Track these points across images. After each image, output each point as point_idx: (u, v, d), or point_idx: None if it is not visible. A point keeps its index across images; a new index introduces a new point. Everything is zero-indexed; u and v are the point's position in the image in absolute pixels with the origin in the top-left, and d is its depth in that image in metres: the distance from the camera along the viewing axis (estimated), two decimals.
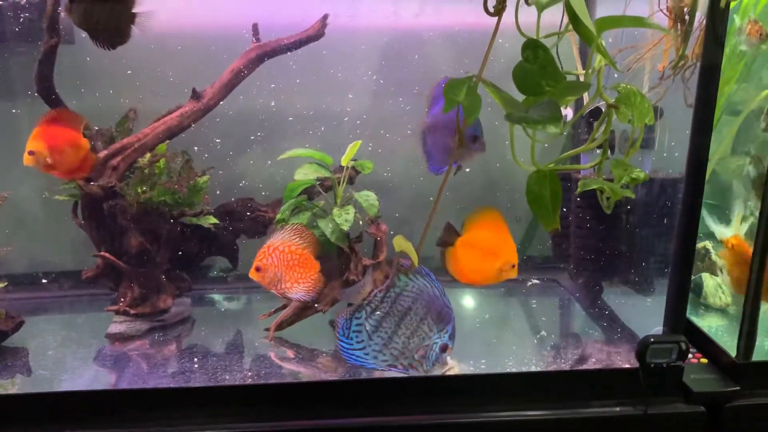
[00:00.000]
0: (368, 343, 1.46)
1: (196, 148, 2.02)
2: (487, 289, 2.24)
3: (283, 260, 1.72)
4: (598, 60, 1.20)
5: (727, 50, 1.99)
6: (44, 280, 2.13)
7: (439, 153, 1.51)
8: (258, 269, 1.71)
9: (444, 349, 1.45)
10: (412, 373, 1.47)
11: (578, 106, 2.10)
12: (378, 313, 1.44)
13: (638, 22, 1.14)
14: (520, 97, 1.25)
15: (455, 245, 1.61)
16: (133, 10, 1.55)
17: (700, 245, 2.07)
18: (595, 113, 1.70)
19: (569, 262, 2.13)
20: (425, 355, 1.45)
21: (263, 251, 1.71)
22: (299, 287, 1.72)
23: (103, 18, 1.54)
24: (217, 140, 2.09)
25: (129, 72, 2.01)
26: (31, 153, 1.67)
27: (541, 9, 1.13)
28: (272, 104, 2.12)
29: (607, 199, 1.31)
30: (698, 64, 1.42)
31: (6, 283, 1.84)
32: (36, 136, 1.68)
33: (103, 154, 1.84)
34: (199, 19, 2.06)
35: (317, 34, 1.95)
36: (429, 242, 1.54)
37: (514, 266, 1.58)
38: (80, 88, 1.99)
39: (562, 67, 1.34)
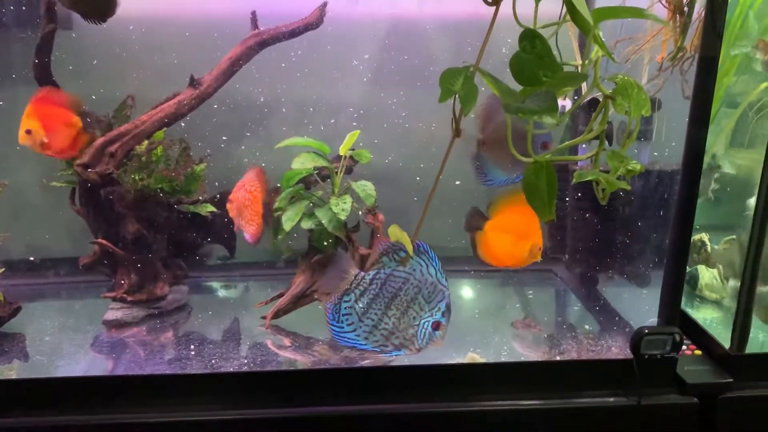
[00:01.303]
0: (359, 324, 1.46)
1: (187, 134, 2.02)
2: (483, 279, 2.25)
3: (244, 199, 1.80)
4: (595, 51, 1.20)
5: (726, 43, 2.00)
6: (32, 259, 2.13)
7: (499, 167, 1.52)
8: (229, 201, 1.82)
9: (436, 327, 1.45)
10: (405, 352, 1.48)
11: (577, 96, 2.10)
12: (367, 295, 1.45)
13: (636, 13, 1.13)
14: (517, 88, 1.25)
15: (484, 230, 1.63)
16: None
17: (696, 237, 2.08)
18: (594, 103, 1.70)
19: (565, 253, 2.13)
20: (416, 333, 1.45)
21: (238, 186, 1.82)
22: (247, 228, 1.81)
23: None
24: (209, 129, 2.09)
25: (125, 56, 2.00)
26: (28, 132, 1.67)
27: None
28: (271, 91, 2.13)
29: (603, 190, 1.31)
30: (696, 56, 1.42)
31: (3, 269, 1.84)
32: (30, 115, 1.68)
33: (100, 140, 1.84)
34: (201, 6, 2.06)
35: (316, 22, 1.94)
36: (425, 231, 1.54)
37: (540, 249, 1.62)
38: (78, 75, 1.98)
39: (561, 59, 1.35)
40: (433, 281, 1.44)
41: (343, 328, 1.45)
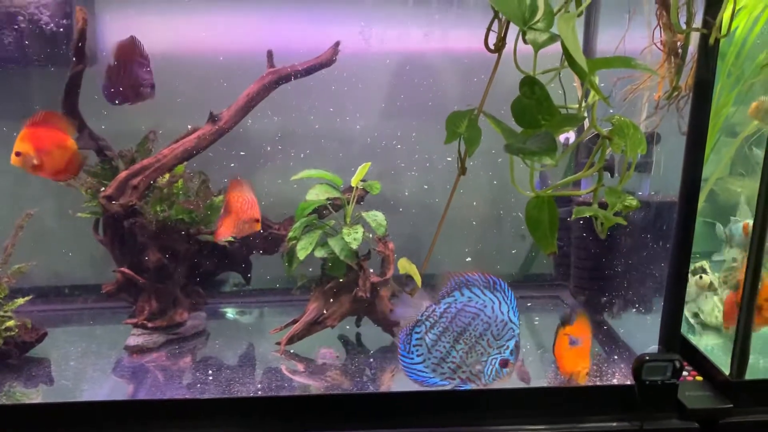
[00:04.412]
0: (428, 356, 1.50)
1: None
2: None
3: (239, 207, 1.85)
4: (591, 95, 1.28)
5: (723, 76, 2.07)
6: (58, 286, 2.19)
7: None
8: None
9: (504, 364, 1.49)
10: (470, 386, 1.52)
11: (580, 129, 2.17)
12: (437, 327, 1.49)
13: (627, 63, 1.21)
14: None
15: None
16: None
17: (696, 265, 2.13)
18: (596, 137, 1.77)
19: (570, 280, 2.19)
20: (483, 369, 1.49)
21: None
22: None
23: None
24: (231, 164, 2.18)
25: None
26: (18, 154, 1.70)
27: (537, 48, 1.21)
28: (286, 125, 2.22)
29: (601, 224, 1.38)
30: (691, 94, 1.49)
31: (31, 296, 1.92)
32: (23, 138, 1.72)
33: (123, 173, 1.93)
34: (220, 45, 2.16)
35: (329, 60, 2.03)
36: (434, 261, 1.61)
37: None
38: (102, 110, 2.07)
39: (565, 94, 1.42)
40: (504, 319, 1.48)
41: (413, 359, 1.49)
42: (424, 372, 1.52)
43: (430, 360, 1.51)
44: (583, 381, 1.72)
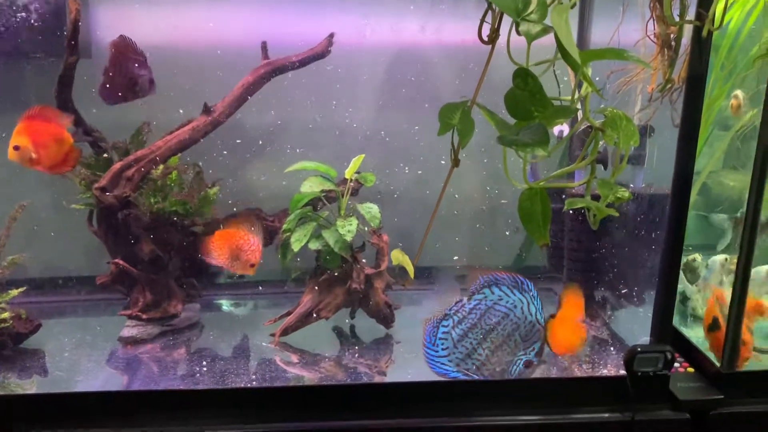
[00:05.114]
0: (453, 350, 1.50)
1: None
2: None
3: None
4: (584, 87, 1.28)
5: (717, 69, 2.08)
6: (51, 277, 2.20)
7: None
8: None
9: (528, 365, 1.50)
10: None
11: (574, 121, 2.18)
12: (465, 323, 1.49)
13: (619, 55, 1.22)
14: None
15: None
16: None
17: (690, 257, 2.14)
18: (590, 129, 1.78)
19: (563, 272, 2.20)
20: (507, 369, 1.49)
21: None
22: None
23: None
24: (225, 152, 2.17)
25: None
26: (16, 148, 1.70)
27: (530, 39, 1.21)
28: (280, 117, 2.22)
29: (594, 216, 1.39)
30: (683, 86, 1.49)
31: (25, 288, 1.91)
32: (20, 132, 1.71)
33: (118, 165, 1.93)
34: (214, 36, 2.15)
35: (324, 51, 2.03)
36: (426, 253, 1.61)
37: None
38: (96, 102, 2.07)
39: (559, 86, 1.43)
40: (532, 320, 1.48)
41: (437, 352, 1.50)
42: (447, 366, 1.52)
43: (455, 354, 1.51)
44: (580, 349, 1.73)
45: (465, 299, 1.50)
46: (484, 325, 1.48)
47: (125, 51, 1.90)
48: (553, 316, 1.66)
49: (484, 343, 1.49)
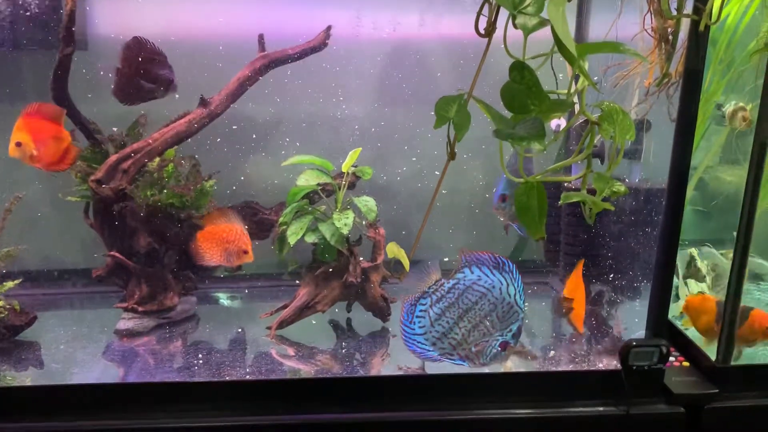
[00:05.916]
0: (430, 329, 1.49)
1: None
2: None
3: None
4: (581, 81, 1.28)
5: (714, 63, 2.08)
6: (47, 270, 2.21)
7: None
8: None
9: (504, 347, 1.49)
10: (468, 364, 1.51)
11: (571, 114, 2.18)
12: (443, 302, 1.48)
13: (616, 48, 1.21)
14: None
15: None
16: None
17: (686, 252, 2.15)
18: (587, 123, 1.78)
19: (559, 266, 2.20)
20: (483, 349, 1.49)
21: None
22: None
23: None
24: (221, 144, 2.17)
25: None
26: (18, 144, 1.72)
27: (527, 33, 1.20)
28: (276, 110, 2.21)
29: (590, 210, 1.39)
30: (681, 81, 1.49)
31: (21, 280, 1.91)
32: (20, 129, 1.73)
33: (114, 157, 1.92)
34: (211, 28, 2.14)
35: (320, 44, 2.03)
36: (422, 246, 1.61)
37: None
38: (92, 94, 2.06)
39: (557, 79, 1.42)
40: (510, 302, 1.47)
41: (414, 330, 1.48)
42: (423, 344, 1.51)
43: (432, 333, 1.50)
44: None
45: (444, 279, 1.49)
46: (462, 304, 1.47)
47: (143, 52, 1.90)
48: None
49: (460, 323, 1.48)
